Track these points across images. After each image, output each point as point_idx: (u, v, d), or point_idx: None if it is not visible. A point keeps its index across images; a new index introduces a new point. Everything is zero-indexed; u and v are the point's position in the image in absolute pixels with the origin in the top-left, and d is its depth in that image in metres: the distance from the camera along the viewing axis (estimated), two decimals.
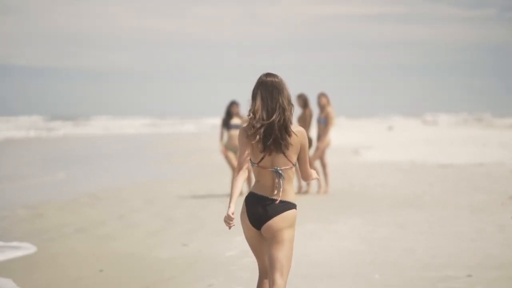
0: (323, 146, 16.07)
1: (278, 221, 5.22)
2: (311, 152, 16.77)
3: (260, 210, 5.24)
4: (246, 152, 5.25)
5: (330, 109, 16.09)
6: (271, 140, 5.20)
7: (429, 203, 13.90)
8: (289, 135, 5.23)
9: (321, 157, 16.22)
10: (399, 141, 38.76)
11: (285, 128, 5.22)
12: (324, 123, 16.07)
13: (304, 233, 10.82)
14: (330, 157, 19.07)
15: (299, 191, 16.06)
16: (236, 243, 10.19)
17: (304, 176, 5.45)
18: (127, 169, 24.56)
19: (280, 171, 5.23)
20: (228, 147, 16.10)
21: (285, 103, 5.24)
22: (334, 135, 16.47)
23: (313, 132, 17.56)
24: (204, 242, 10.41)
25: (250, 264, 8.81)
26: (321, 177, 16.46)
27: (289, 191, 5.29)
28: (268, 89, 5.24)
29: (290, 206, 5.28)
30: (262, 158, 5.25)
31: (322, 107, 16.19)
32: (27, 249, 10.18)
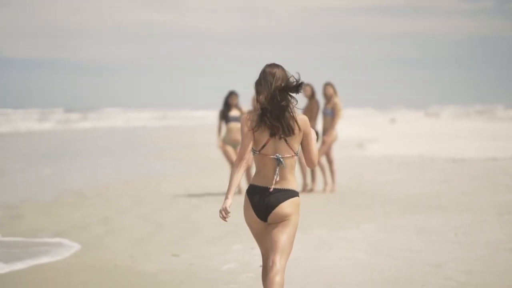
0: (330, 141, 14.68)
1: (286, 206, 5.25)
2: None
3: (265, 200, 5.25)
4: (248, 141, 5.26)
5: (337, 100, 14.69)
6: (275, 123, 5.21)
7: (448, 204, 12.53)
8: (293, 120, 5.25)
9: (327, 152, 14.86)
10: (403, 134, 37.49)
11: (286, 113, 5.23)
12: (331, 115, 14.66)
13: (313, 240, 9.49)
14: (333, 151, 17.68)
15: (304, 189, 14.70)
16: (234, 254, 8.86)
17: (308, 163, 5.37)
18: (119, 165, 23.17)
19: (281, 158, 5.23)
20: (226, 141, 14.71)
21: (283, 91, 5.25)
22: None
23: (319, 125, 16.18)
24: (197, 252, 9.06)
25: (249, 280, 7.50)
26: (327, 174, 15.06)
27: (291, 180, 5.30)
28: (267, 78, 5.29)
29: (293, 194, 5.30)
30: (264, 145, 5.26)
31: (328, 98, 14.77)
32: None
